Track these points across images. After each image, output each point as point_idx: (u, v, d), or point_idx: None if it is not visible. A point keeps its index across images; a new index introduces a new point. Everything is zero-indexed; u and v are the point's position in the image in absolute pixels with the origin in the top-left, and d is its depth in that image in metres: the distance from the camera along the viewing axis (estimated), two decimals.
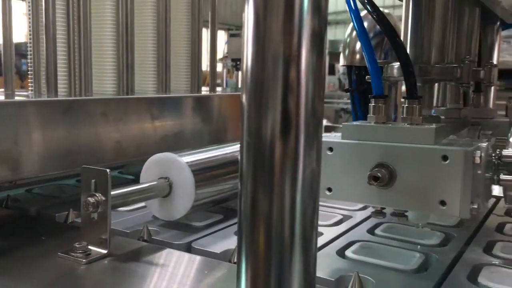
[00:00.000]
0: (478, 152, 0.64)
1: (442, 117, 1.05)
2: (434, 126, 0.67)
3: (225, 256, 0.77)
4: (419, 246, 0.82)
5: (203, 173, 0.90)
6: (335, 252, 0.79)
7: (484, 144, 0.68)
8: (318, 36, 0.44)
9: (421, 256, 0.77)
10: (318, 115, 0.46)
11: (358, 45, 1.30)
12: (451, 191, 0.65)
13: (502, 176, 0.74)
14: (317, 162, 0.46)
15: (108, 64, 1.18)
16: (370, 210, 0.84)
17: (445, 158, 0.65)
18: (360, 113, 1.30)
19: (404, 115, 0.71)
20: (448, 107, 1.06)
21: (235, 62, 9.82)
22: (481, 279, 0.69)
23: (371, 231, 0.91)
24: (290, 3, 0.43)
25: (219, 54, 11.64)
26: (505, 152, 0.74)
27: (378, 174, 0.66)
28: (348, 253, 0.78)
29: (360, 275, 0.66)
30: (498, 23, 1.31)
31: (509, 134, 0.76)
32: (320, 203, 1.07)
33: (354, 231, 0.91)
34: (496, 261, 0.76)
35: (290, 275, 0.45)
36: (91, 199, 0.73)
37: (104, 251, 0.74)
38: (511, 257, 0.78)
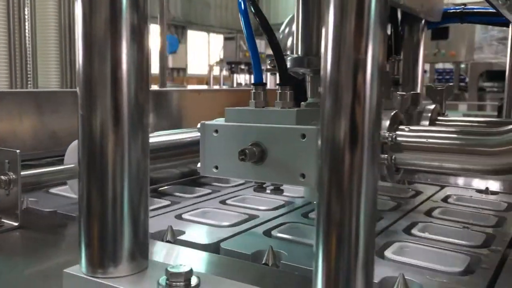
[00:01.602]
0: None
1: None
2: (296, 109, 0.76)
3: None
4: None
5: None
6: (262, 232, 0.87)
7: None
8: (138, 33, 0.53)
9: None
10: (142, 106, 0.54)
11: (289, 42, 1.39)
12: (309, 165, 0.73)
13: None
14: (143, 151, 0.54)
15: (52, 61, 1.28)
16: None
17: (303, 136, 0.74)
18: None
19: (278, 100, 0.80)
20: None
21: (230, 65, 9.94)
22: (387, 253, 0.76)
23: (305, 214, 0.98)
24: (113, 3, 0.51)
25: (216, 58, 11.75)
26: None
27: (246, 151, 0.75)
28: (275, 232, 0.86)
29: (274, 249, 0.74)
30: (423, 22, 1.40)
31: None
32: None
33: (290, 214, 0.98)
34: (410, 239, 0.84)
35: (122, 248, 0.54)
36: (3, 177, 0.82)
37: (16, 224, 0.83)
38: (426, 235, 0.86)
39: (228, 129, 0.81)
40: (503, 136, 0.75)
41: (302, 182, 0.75)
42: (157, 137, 1.10)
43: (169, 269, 0.51)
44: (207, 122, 0.83)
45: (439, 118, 1.07)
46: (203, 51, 15.01)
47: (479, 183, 1.27)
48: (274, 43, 0.81)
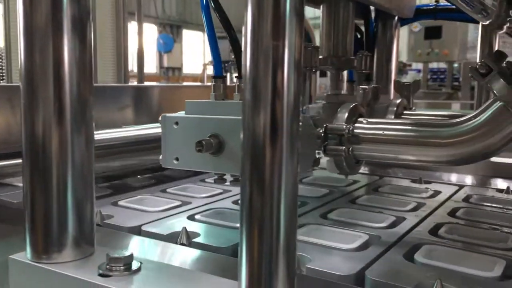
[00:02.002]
0: None
1: (323, 101, 1.15)
2: None
3: None
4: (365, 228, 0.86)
5: None
6: None
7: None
8: (80, 26, 0.53)
9: (364, 237, 0.81)
10: (85, 100, 0.54)
11: None
12: None
13: (329, 147, 0.84)
14: (87, 143, 0.55)
15: None
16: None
17: None
18: None
19: (236, 92, 0.81)
20: (329, 93, 1.16)
21: (224, 64, 9.95)
22: (417, 257, 0.72)
23: (324, 215, 0.95)
24: None
25: (208, 57, 11.76)
26: (330, 125, 0.84)
27: (203, 142, 0.76)
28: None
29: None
30: (396, 18, 1.41)
31: (339, 109, 0.86)
32: None
33: (306, 216, 0.94)
34: (438, 241, 0.81)
35: (66, 235, 0.55)
36: None
37: None
38: (454, 237, 0.83)
39: (187, 121, 0.82)
40: (455, 128, 0.76)
41: None
42: (127, 131, 1.12)
43: (109, 254, 0.53)
44: (167, 115, 0.84)
45: (405, 112, 1.08)
46: (199, 50, 15.00)
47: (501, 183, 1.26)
48: (232, 38, 0.83)
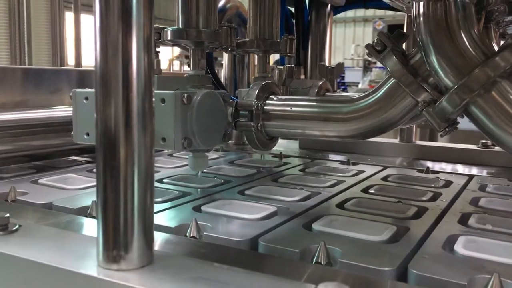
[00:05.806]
0: (186, 95, 0.75)
1: None
2: (156, 75, 0.79)
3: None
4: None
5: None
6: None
7: (204, 91, 0.80)
8: None
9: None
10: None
11: None
12: (168, 129, 0.76)
13: (239, 122, 0.86)
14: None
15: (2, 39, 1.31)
16: None
17: (163, 100, 0.76)
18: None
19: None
20: (257, 76, 1.18)
21: (188, 58, 9.87)
22: (315, 225, 0.73)
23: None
24: None
25: (176, 52, 11.62)
26: (240, 101, 0.86)
27: None
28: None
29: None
30: (329, 7, 1.45)
31: (250, 86, 0.88)
32: None
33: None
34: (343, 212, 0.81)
35: None
36: None
37: None
38: (357, 209, 0.83)
39: None
40: (355, 104, 0.79)
41: (162, 146, 0.77)
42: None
43: None
44: (78, 90, 0.84)
45: (327, 94, 1.11)
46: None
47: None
48: None
